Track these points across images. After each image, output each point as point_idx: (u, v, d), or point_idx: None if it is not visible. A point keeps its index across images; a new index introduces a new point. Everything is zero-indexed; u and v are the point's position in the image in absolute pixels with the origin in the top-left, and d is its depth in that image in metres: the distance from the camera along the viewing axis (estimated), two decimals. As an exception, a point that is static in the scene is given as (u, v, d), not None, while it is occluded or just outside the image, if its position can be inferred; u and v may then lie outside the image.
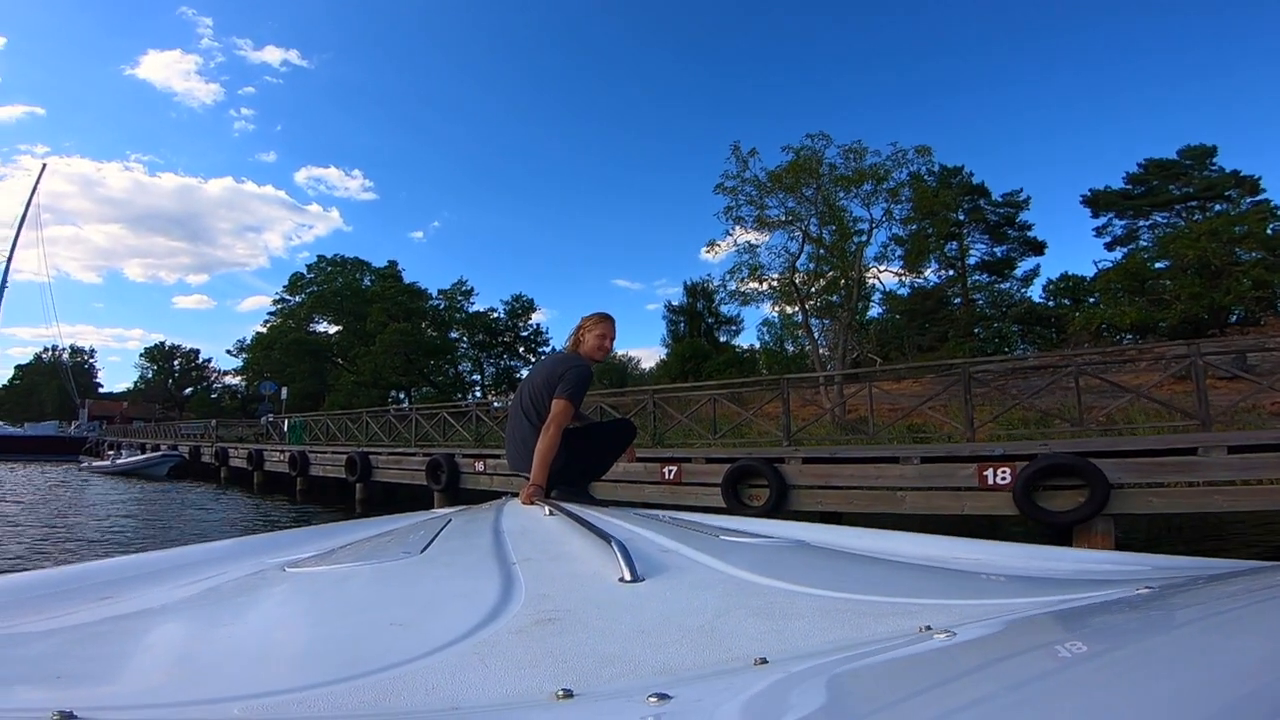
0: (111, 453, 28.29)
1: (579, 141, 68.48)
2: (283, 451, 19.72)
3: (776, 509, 8.27)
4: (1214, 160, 27.80)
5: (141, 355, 64.25)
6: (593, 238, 68.17)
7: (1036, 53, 47.88)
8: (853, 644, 0.72)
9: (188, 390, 62.59)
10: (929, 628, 0.71)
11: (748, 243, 19.88)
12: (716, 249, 20.38)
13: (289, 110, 76.00)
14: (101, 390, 66.55)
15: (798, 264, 19.78)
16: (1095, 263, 31.13)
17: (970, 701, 0.51)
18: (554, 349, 43.29)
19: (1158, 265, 27.92)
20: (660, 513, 2.07)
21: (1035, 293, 32.45)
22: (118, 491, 19.34)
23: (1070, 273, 32.60)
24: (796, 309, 21.74)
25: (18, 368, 67.12)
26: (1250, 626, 0.70)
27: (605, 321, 3.00)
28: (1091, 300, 31.90)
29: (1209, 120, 48.89)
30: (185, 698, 0.65)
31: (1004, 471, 7.50)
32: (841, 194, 19.35)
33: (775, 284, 20.15)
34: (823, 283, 20.44)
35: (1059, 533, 7.17)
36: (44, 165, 45.63)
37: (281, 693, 0.61)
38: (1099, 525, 6.95)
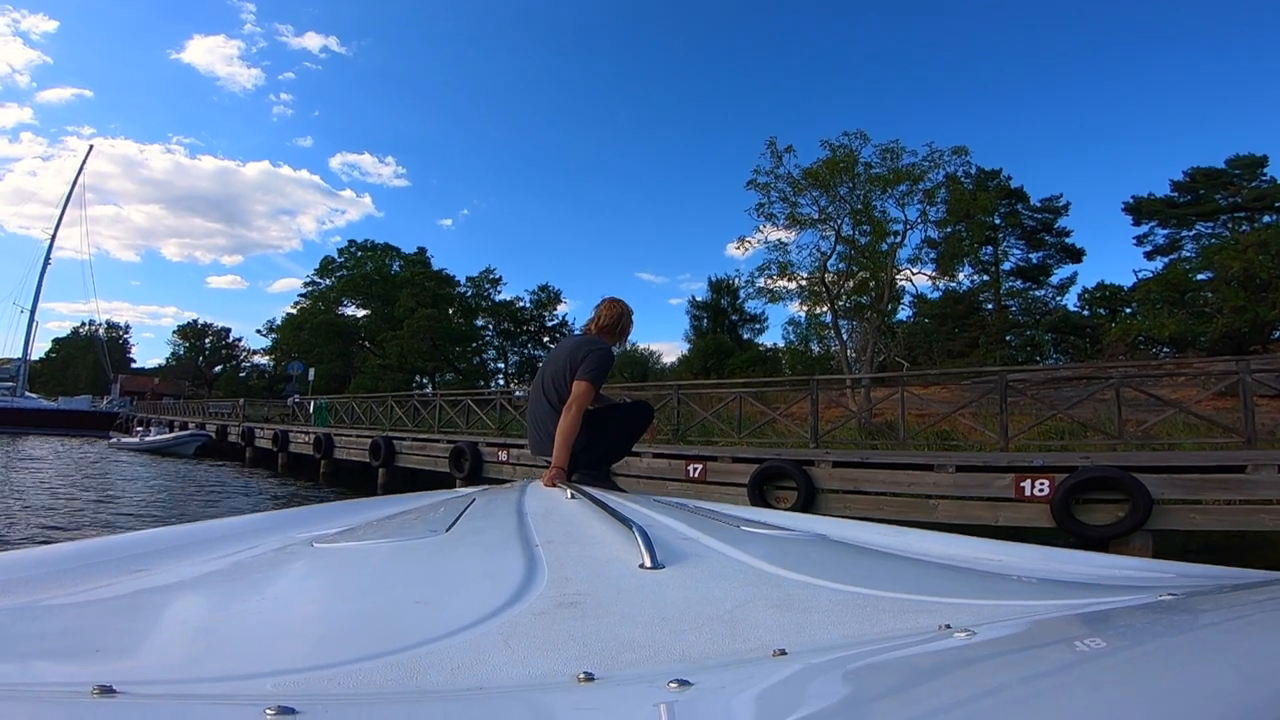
0: (140, 430, 28.65)
1: (608, 134, 68.58)
2: (308, 433, 19.88)
3: (804, 513, 8.09)
4: (1264, 170, 26.83)
5: (175, 333, 65.14)
6: (619, 230, 68.31)
7: (1082, 58, 46.82)
8: (872, 639, 0.72)
9: (217, 368, 63.56)
10: (949, 626, 0.70)
11: (779, 240, 19.57)
12: (747, 245, 20.09)
13: (326, 96, 77.27)
14: (134, 366, 68.33)
15: (828, 264, 19.44)
16: (1135, 272, 30.38)
17: (987, 701, 0.51)
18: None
19: (1199, 277, 27.21)
20: (682, 500, 2.10)
21: (1070, 301, 31.84)
22: (145, 470, 19.68)
23: (1107, 282, 31.97)
24: (825, 309, 21.47)
25: (55, 341, 69.09)
26: (1272, 634, 0.70)
27: (621, 305, 3.03)
28: (1128, 310, 31.29)
29: (1260, 130, 47.12)
30: (219, 673, 0.65)
31: (1042, 483, 7.28)
32: (877, 194, 18.99)
33: (804, 282, 19.86)
34: (852, 284, 20.11)
35: (1092, 547, 6.94)
36: (90, 147, 46.77)
37: (311, 669, 0.62)
38: (1136, 540, 6.75)
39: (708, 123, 62.82)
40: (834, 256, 19.61)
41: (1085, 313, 30.58)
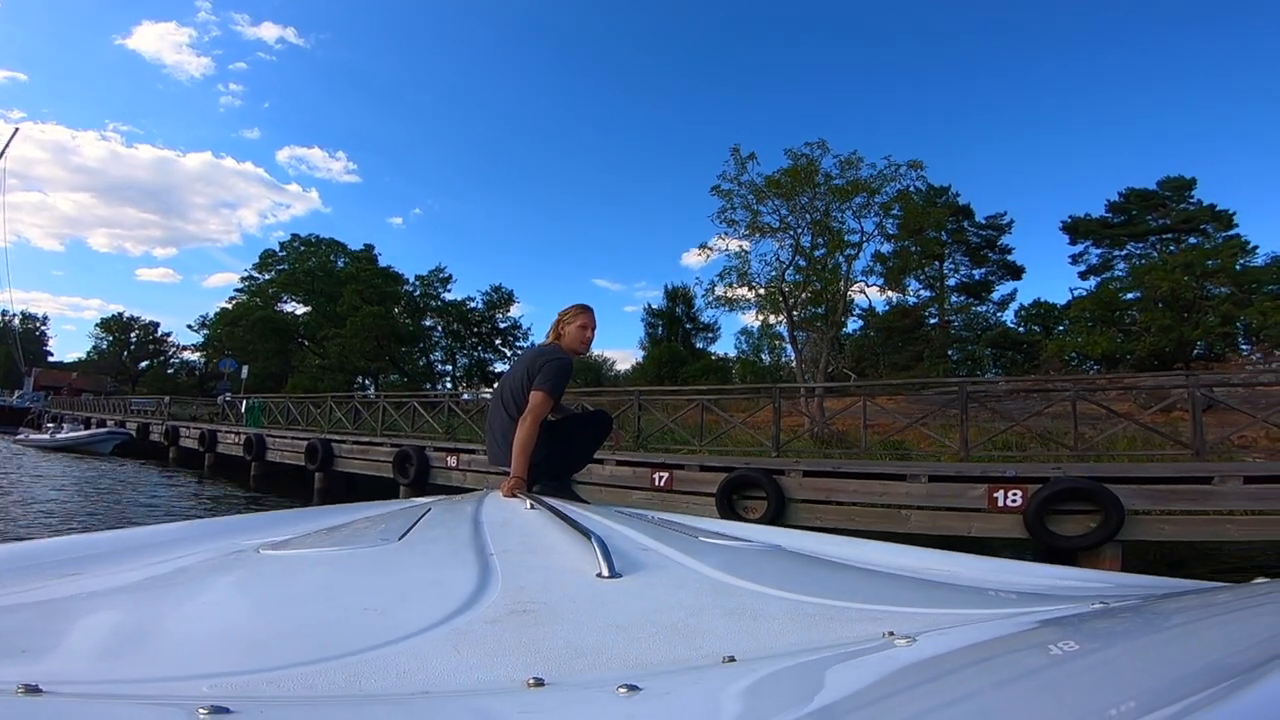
0: (51, 426, 26.12)
1: (568, 138, 67.55)
2: (238, 434, 18.42)
3: (774, 523, 7.72)
4: (1193, 193, 28.25)
5: (97, 325, 61.35)
6: (576, 236, 67.06)
7: (1031, 76, 48.09)
8: (819, 646, 0.73)
9: (143, 364, 59.86)
10: (893, 633, 0.71)
11: (741, 247, 19.38)
12: (709, 252, 19.85)
13: (279, 88, 73.14)
14: (52, 359, 63.52)
15: (786, 274, 19.36)
16: (1072, 290, 31.60)
17: (925, 706, 0.53)
18: (532, 343, 42.25)
19: (1128, 296, 28.41)
20: (642, 511, 2.08)
21: (1009, 317, 32.89)
22: (52, 469, 17.93)
23: (1043, 299, 33.15)
24: (780, 319, 21.41)
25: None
26: (1187, 639, 0.75)
27: (586, 312, 2.95)
28: (1060, 328, 32.52)
29: (1192, 152, 49.40)
30: (153, 674, 0.64)
31: (1015, 494, 7.14)
32: (836, 205, 19.02)
33: (762, 291, 19.72)
34: (807, 294, 20.08)
35: (1064, 558, 6.80)
36: (15, 130, 42.51)
37: (251, 672, 0.61)
38: (1107, 551, 6.72)
39: (668, 130, 62.81)
40: (791, 268, 19.56)
41: (1021, 329, 31.59)
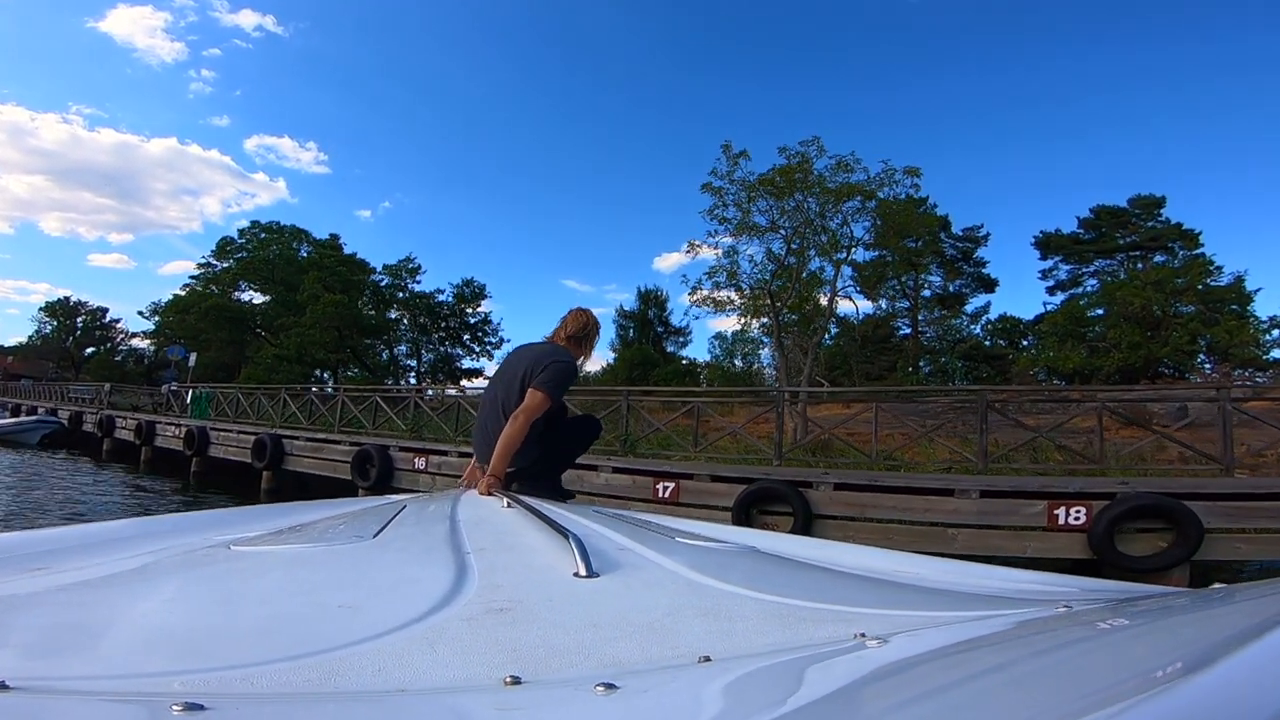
0: None
1: (541, 138, 65.59)
2: (178, 426, 16.39)
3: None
4: (1161, 211, 28.32)
5: (41, 309, 56.92)
6: (545, 235, 65.00)
7: (1010, 83, 47.51)
8: (791, 646, 0.72)
9: (89, 350, 55.90)
10: (864, 634, 0.71)
11: (730, 246, 18.29)
12: (697, 248, 18.71)
13: (253, 76, 68.64)
14: (-8, 344, 58.90)
15: (772, 277, 18.36)
16: (1044, 304, 31.60)
17: (894, 705, 0.53)
18: (502, 340, 40.18)
19: (1095, 312, 28.46)
20: (620, 511, 2.09)
21: (978, 330, 32.64)
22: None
23: (1008, 314, 33.04)
24: (763, 321, 20.46)
25: (-110, 311, 58.72)
26: (1143, 641, 0.74)
27: (588, 314, 2.88)
28: (1025, 343, 32.59)
29: (1162, 168, 48.09)
30: (123, 670, 0.62)
31: (1079, 510, 6.16)
32: (830, 207, 18.12)
33: (748, 293, 18.70)
34: (792, 298, 19.13)
35: (1136, 579, 5.83)
36: None
37: (225, 668, 0.59)
38: (1176, 571, 6.00)
39: (643, 135, 61.49)
40: (778, 270, 18.59)
41: (988, 343, 31.40)
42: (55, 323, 56.24)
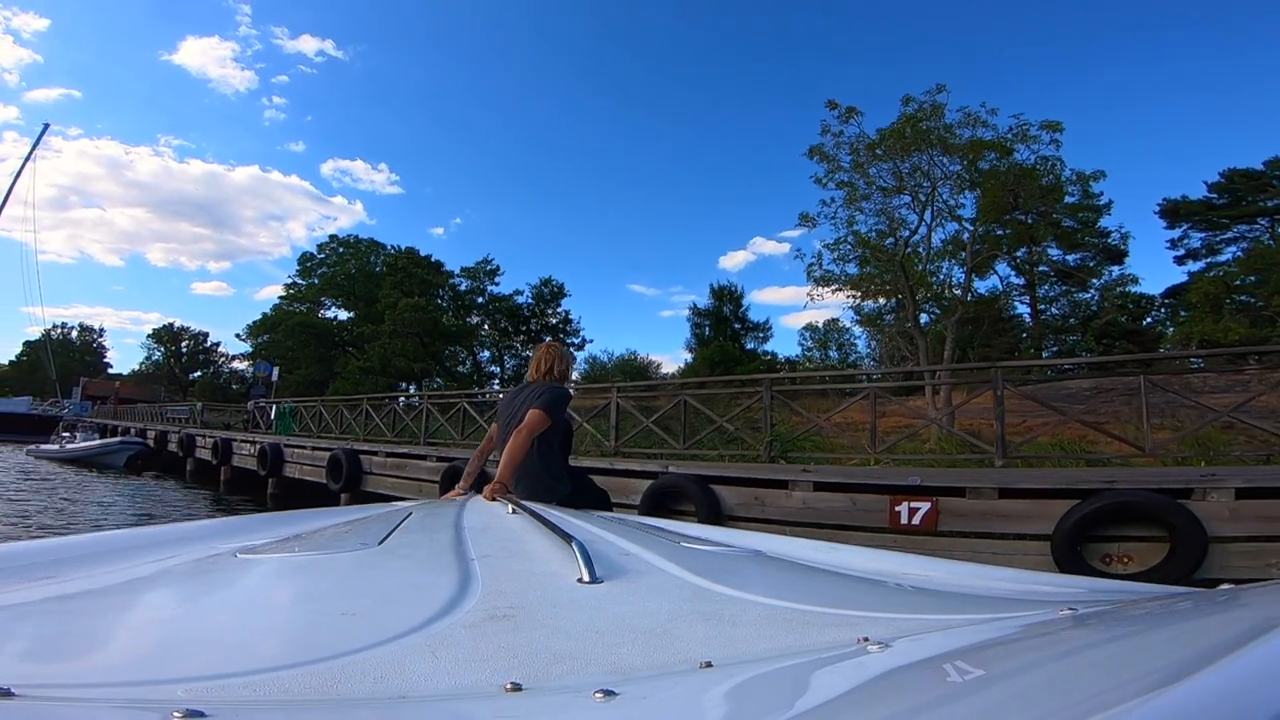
0: (66, 435, 22.63)
1: (603, 149, 63.72)
2: (253, 443, 14.66)
3: (1182, 580, 3.89)
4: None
5: (149, 337, 59.25)
6: (611, 241, 63.07)
7: (1120, 52, 41.36)
8: (794, 651, 0.71)
9: (195, 374, 57.51)
10: (867, 639, 0.69)
11: (851, 215, 15.25)
12: (811, 222, 15.77)
13: (320, 101, 70.35)
14: (112, 371, 61.57)
15: (908, 245, 15.19)
16: (1189, 274, 27.05)
17: (897, 711, 0.51)
18: (587, 340, 37.71)
19: (1246, 279, 24.07)
20: (623, 516, 2.09)
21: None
22: (44, 485, 14.45)
23: (1127, 290, 28.30)
24: (879, 303, 17.28)
25: (26, 344, 62.25)
26: (1144, 641, 0.72)
27: (558, 346, 3.05)
28: (1151, 318, 28.14)
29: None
30: (126, 678, 0.61)
31: None
32: (964, 162, 14.83)
33: (872, 267, 15.60)
34: (922, 270, 15.86)
35: None
36: (46, 125, 37.58)
37: (226, 676, 0.58)
38: None
39: (703, 138, 58.78)
40: (907, 235, 15.37)
41: (1121, 319, 26.97)
42: (162, 349, 58.36)
